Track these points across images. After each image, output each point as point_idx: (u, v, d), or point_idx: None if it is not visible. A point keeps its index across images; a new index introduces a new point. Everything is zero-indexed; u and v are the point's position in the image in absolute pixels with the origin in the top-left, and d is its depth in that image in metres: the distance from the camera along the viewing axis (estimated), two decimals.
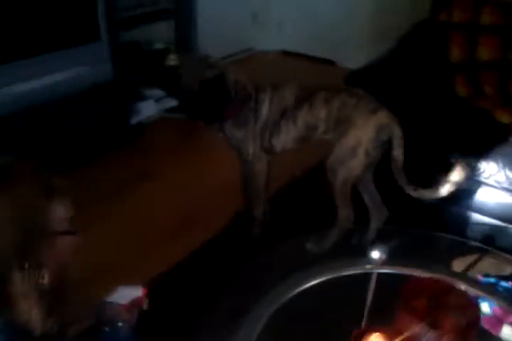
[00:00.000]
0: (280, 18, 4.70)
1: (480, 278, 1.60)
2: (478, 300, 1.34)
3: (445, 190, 1.68)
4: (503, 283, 1.60)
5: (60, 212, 1.00)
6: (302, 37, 4.63)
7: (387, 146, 1.77)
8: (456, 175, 1.67)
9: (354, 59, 3.90)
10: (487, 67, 2.28)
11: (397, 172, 1.75)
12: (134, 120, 3.10)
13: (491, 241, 1.89)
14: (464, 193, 1.94)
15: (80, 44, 2.50)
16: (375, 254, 1.24)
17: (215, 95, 1.76)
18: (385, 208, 1.95)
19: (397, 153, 1.75)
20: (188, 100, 1.86)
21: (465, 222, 1.98)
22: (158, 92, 3.32)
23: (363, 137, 1.76)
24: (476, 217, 1.96)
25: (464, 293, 1.20)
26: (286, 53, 4.77)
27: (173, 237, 2.20)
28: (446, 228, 1.87)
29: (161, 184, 2.61)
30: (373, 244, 1.28)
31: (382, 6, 4.12)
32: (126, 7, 2.90)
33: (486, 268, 1.67)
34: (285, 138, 1.91)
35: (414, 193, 1.74)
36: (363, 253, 1.29)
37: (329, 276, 1.27)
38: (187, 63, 1.89)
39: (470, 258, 1.67)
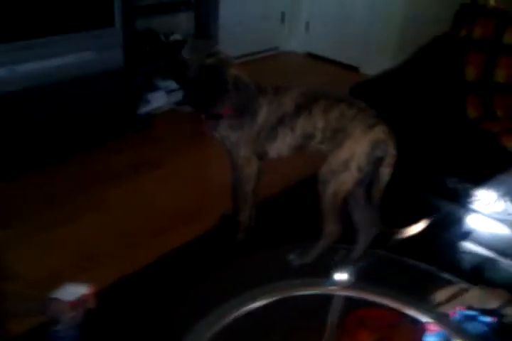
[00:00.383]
0: (308, 19, 4.64)
1: (458, 310, 1.53)
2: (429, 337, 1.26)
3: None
4: (483, 318, 1.52)
5: None
6: (328, 39, 4.57)
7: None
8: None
9: (378, 66, 3.83)
10: (502, 89, 2.19)
11: (377, 194, 1.69)
12: (143, 110, 3.09)
13: (481, 273, 1.81)
14: (457, 220, 1.86)
15: (92, 28, 2.49)
16: (340, 276, 1.19)
17: (210, 83, 1.71)
18: (374, 227, 1.88)
19: (385, 171, 1.68)
20: (185, 84, 1.82)
21: (456, 250, 1.90)
22: (170, 84, 3.29)
23: (357, 150, 1.70)
24: (469, 246, 1.88)
25: (411, 328, 1.13)
26: (311, 56, 4.72)
27: (160, 230, 2.19)
28: (436, 254, 1.81)
29: (158, 176, 2.61)
30: (340, 265, 1.22)
31: (412, 14, 4.03)
32: None
33: (472, 300, 1.60)
34: (281, 145, 1.86)
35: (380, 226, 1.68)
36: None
37: (285, 295, 1.21)
38: (192, 47, 1.84)
39: (453, 290, 1.60)
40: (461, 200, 1.90)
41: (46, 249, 2.04)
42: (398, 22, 4.06)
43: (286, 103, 1.81)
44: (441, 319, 1.26)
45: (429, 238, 1.90)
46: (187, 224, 2.23)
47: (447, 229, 1.86)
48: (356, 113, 1.73)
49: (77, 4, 2.42)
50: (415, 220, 1.93)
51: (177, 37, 3.28)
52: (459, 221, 1.91)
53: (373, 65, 4.16)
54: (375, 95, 2.15)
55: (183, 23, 3.42)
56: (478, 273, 1.78)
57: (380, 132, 1.70)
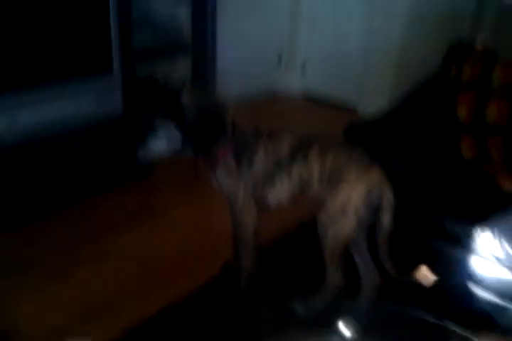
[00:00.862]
0: (304, 61, 4.76)
1: None
2: None
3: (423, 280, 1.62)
4: None
5: None
6: (324, 81, 4.67)
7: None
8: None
9: (375, 106, 3.89)
10: (495, 130, 2.21)
11: (381, 243, 1.68)
12: (144, 156, 3.10)
13: (489, 319, 1.77)
14: (460, 264, 1.84)
15: (90, 74, 2.52)
16: (345, 329, 1.16)
17: (210, 126, 1.74)
18: (377, 275, 1.87)
19: (385, 218, 1.68)
20: (185, 128, 1.86)
21: (462, 295, 1.86)
22: (171, 130, 3.32)
23: (353, 195, 1.70)
24: (475, 290, 1.85)
25: None
26: (308, 97, 4.79)
27: (162, 280, 2.17)
28: (442, 299, 1.78)
29: (159, 224, 2.59)
30: (346, 317, 1.20)
31: (407, 55, 4.14)
32: (143, 41, 2.93)
33: None
34: (279, 191, 1.86)
35: (393, 273, 1.66)
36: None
37: None
38: (190, 92, 1.87)
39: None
40: (462, 243, 1.89)
41: (48, 301, 2.01)
42: (393, 62, 4.16)
43: (281, 148, 1.82)
44: None
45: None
46: (189, 273, 2.20)
47: (451, 273, 1.84)
48: (349, 157, 1.75)
49: (74, 50, 2.44)
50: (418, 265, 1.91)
51: (176, 82, 3.35)
52: (462, 264, 1.89)
53: (370, 105, 4.22)
54: (369, 138, 2.17)
55: (181, 68, 3.49)
56: (487, 319, 1.75)
57: (374, 177, 1.70)
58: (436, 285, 1.81)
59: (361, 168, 1.72)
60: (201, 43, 3.23)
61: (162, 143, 3.17)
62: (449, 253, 1.91)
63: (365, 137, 2.17)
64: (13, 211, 2.44)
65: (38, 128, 2.38)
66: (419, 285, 1.77)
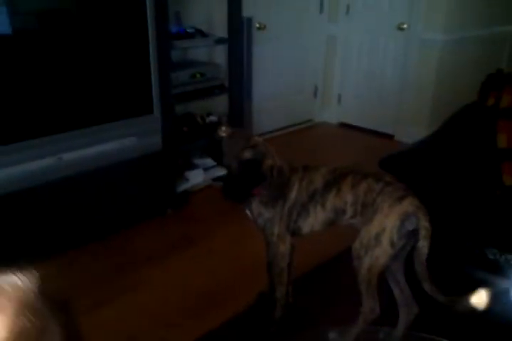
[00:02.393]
0: (340, 92, 4.82)
1: None
2: None
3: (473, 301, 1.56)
4: None
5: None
6: (361, 110, 4.70)
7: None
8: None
9: (413, 133, 3.89)
10: None
11: (420, 268, 1.64)
12: (181, 187, 3.21)
13: None
14: (504, 293, 1.77)
15: (133, 116, 2.68)
16: None
17: (248, 177, 1.77)
18: (415, 304, 1.82)
19: (422, 245, 1.65)
20: (225, 177, 1.89)
21: (504, 325, 1.78)
22: (208, 162, 3.43)
23: (387, 225, 1.69)
24: None
25: None
26: (345, 126, 4.84)
27: (197, 310, 2.19)
28: (481, 330, 1.70)
29: (194, 254, 2.65)
30: None
31: (443, 83, 4.13)
32: (182, 83, 3.08)
33: None
34: (313, 221, 1.88)
35: (438, 297, 1.62)
36: None
37: None
38: (231, 139, 1.92)
39: None
40: (504, 272, 1.82)
41: (84, 332, 2.06)
42: (430, 93, 4.18)
43: (316, 180, 1.85)
44: None
45: (473, 313, 1.81)
46: (224, 303, 2.22)
47: (492, 303, 1.77)
48: (384, 186, 1.74)
49: (119, 95, 2.64)
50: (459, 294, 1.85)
51: (213, 118, 3.47)
52: (504, 294, 1.81)
53: (408, 132, 4.23)
54: (406, 167, 2.16)
55: (218, 104, 3.63)
56: None
57: (409, 205, 1.69)
58: (475, 316, 1.74)
59: (395, 197, 1.71)
60: (237, 82, 3.36)
61: (199, 173, 3.32)
62: (491, 283, 1.84)
63: (403, 166, 2.16)
64: (57, 240, 2.55)
65: (83, 164, 2.53)
66: (460, 315, 1.70)
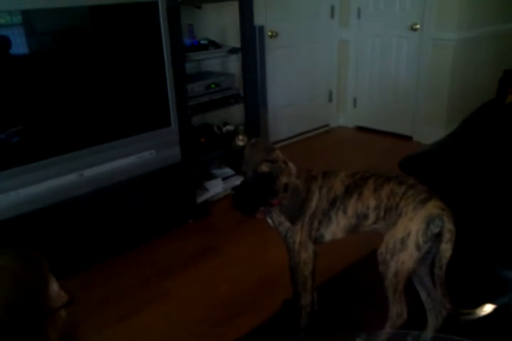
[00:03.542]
0: (355, 95, 4.80)
1: None
2: None
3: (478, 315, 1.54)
4: None
5: (53, 285, 0.95)
6: (377, 112, 4.68)
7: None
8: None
9: (431, 134, 3.86)
10: None
11: (439, 271, 1.63)
12: (201, 198, 3.23)
13: None
14: None
15: (151, 130, 2.73)
16: None
17: (260, 190, 1.77)
18: (443, 308, 1.79)
19: (445, 248, 1.62)
20: (238, 186, 1.90)
21: None
22: (226, 171, 3.45)
23: (412, 228, 1.67)
24: None
25: None
26: (361, 129, 4.82)
27: (222, 319, 2.20)
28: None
29: (217, 263, 2.66)
30: None
31: (459, 82, 4.09)
32: (198, 94, 3.11)
33: None
34: (335, 228, 1.87)
35: (446, 304, 1.61)
36: None
37: None
38: (253, 148, 1.92)
39: None
40: None
41: (115, 339, 2.08)
42: (445, 89, 4.13)
43: (336, 186, 1.84)
44: None
45: (503, 313, 1.78)
46: (249, 311, 2.22)
47: None
48: (406, 190, 1.73)
49: (137, 110, 2.68)
50: (490, 296, 1.82)
51: (229, 128, 3.50)
52: None
53: (426, 132, 4.19)
54: (427, 168, 2.14)
55: (234, 113, 3.65)
56: None
57: (433, 207, 1.67)
58: (504, 317, 1.70)
59: (419, 200, 1.69)
60: (252, 90, 3.38)
61: (218, 182, 3.33)
62: None
63: (423, 167, 2.14)
64: (81, 255, 2.58)
65: (105, 179, 2.57)
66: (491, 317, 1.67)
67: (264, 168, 1.75)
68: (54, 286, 0.95)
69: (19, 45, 2.26)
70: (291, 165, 1.84)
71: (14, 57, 2.25)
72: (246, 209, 1.84)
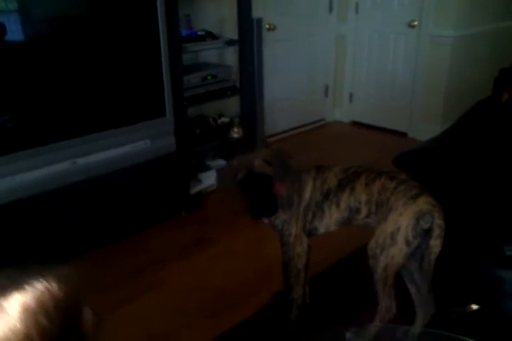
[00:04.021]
0: (351, 90, 4.80)
1: None
2: None
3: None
4: None
5: (86, 308, 0.91)
6: (373, 108, 4.68)
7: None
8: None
9: (426, 130, 3.87)
10: None
11: (427, 267, 1.65)
12: (195, 189, 3.22)
13: None
14: None
15: (146, 119, 2.71)
16: None
17: (256, 192, 1.76)
18: (432, 302, 1.81)
19: (434, 244, 1.64)
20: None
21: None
22: (220, 163, 3.45)
23: (402, 223, 1.68)
24: None
25: None
26: (357, 124, 4.82)
27: (215, 310, 2.21)
28: (500, 328, 1.69)
29: (210, 254, 2.66)
30: None
31: (455, 79, 4.10)
32: (194, 86, 3.10)
33: None
34: (328, 221, 1.89)
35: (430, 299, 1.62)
36: None
37: None
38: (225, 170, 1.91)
39: None
40: None
41: (105, 331, 2.08)
42: (442, 86, 4.13)
43: (329, 179, 1.85)
44: None
45: (492, 310, 1.80)
46: (241, 302, 2.23)
47: (510, 300, 1.76)
48: (397, 185, 1.73)
49: (132, 99, 2.66)
50: (478, 292, 1.84)
51: (225, 119, 3.49)
52: None
53: (421, 129, 4.20)
54: (421, 165, 2.15)
55: (230, 105, 3.65)
56: None
57: (423, 203, 1.68)
58: (493, 314, 1.72)
59: (409, 195, 1.70)
60: (249, 83, 3.37)
61: (212, 174, 3.33)
62: (509, 279, 1.83)
63: (417, 164, 2.15)
64: (73, 243, 2.58)
65: (98, 167, 2.56)
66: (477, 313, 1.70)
67: (241, 175, 1.75)
68: (87, 309, 0.92)
69: (15, 32, 2.24)
70: (292, 160, 1.86)
71: (9, 44, 2.23)
72: (270, 210, 1.81)
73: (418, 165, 2.12)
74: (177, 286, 2.39)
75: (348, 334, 1.85)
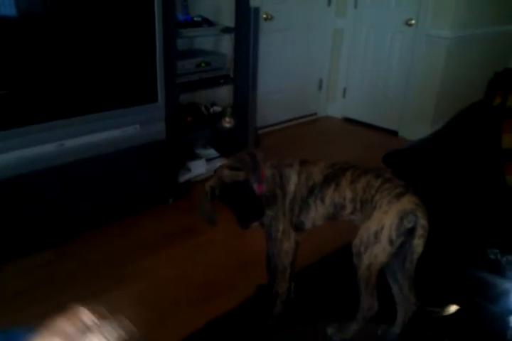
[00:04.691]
0: (345, 86, 4.79)
1: None
2: None
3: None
4: None
5: None
6: (365, 105, 4.68)
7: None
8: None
9: (417, 130, 3.89)
10: None
11: (409, 266, 1.65)
12: (184, 177, 3.20)
13: None
14: (504, 293, 1.77)
15: (137, 104, 2.67)
16: None
17: (236, 201, 1.75)
18: (413, 301, 1.81)
19: (417, 243, 1.64)
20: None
21: (504, 325, 1.79)
22: (211, 152, 3.42)
23: (385, 222, 1.67)
24: None
25: None
26: (349, 120, 4.82)
27: (196, 301, 2.20)
28: (481, 329, 1.71)
29: (194, 244, 2.64)
30: None
31: (449, 80, 4.11)
32: (187, 72, 3.06)
33: None
34: (314, 216, 1.87)
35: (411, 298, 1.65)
36: None
37: None
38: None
39: None
40: (505, 272, 1.82)
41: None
42: (435, 87, 4.14)
43: (314, 174, 1.84)
44: None
45: (473, 312, 1.82)
46: (223, 294, 2.23)
47: (493, 302, 1.77)
48: (382, 183, 1.72)
49: (123, 83, 2.61)
50: (459, 294, 1.86)
51: (217, 108, 3.45)
52: (504, 295, 1.81)
53: (412, 129, 4.21)
54: (409, 164, 2.15)
55: (223, 94, 3.61)
56: None
57: (408, 202, 1.67)
58: (475, 316, 1.74)
59: (394, 194, 1.69)
60: (243, 72, 3.33)
61: (201, 163, 3.31)
62: (491, 283, 1.85)
63: (406, 163, 2.15)
64: (55, 228, 2.55)
65: (86, 151, 2.52)
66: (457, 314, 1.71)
67: (226, 173, 1.74)
68: None
69: (6, 7, 2.18)
70: (259, 156, 1.83)
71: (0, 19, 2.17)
72: (257, 213, 1.79)
73: (407, 164, 2.12)
74: (158, 275, 2.37)
75: (329, 331, 1.85)
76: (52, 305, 2.04)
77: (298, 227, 1.91)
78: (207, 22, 3.21)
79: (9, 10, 2.20)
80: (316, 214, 1.86)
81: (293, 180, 1.84)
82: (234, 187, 1.73)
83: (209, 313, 2.07)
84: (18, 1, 2.19)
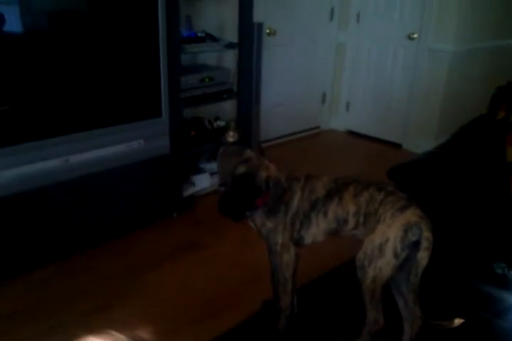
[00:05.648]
0: (348, 99, 4.81)
1: None
2: None
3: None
4: None
5: None
6: (369, 118, 4.69)
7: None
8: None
9: (421, 143, 3.88)
10: None
11: (414, 279, 1.63)
12: (188, 191, 3.20)
13: None
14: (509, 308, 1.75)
15: (142, 119, 2.68)
16: None
17: (244, 192, 1.74)
18: (419, 315, 1.79)
19: (422, 256, 1.63)
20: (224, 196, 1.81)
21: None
22: (215, 166, 3.41)
23: (390, 235, 1.67)
24: None
25: None
26: (352, 133, 4.83)
27: (200, 316, 2.18)
28: None
29: (198, 259, 2.63)
30: None
31: (452, 94, 4.12)
32: (191, 87, 3.08)
33: None
34: (315, 231, 1.87)
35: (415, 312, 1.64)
36: None
37: None
38: (223, 157, 1.84)
39: None
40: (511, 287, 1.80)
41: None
42: (439, 101, 4.15)
43: (317, 189, 1.83)
44: None
45: (480, 326, 1.79)
46: (229, 309, 2.20)
47: (499, 317, 1.75)
48: (385, 196, 1.73)
49: (128, 98, 2.64)
50: (465, 308, 1.83)
51: (221, 123, 3.47)
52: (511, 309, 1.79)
53: (416, 142, 4.21)
54: (414, 178, 2.15)
55: (226, 109, 3.63)
56: None
57: (412, 215, 1.67)
58: (482, 330, 1.72)
59: (397, 207, 1.69)
60: (246, 87, 3.36)
61: (205, 177, 3.31)
62: (498, 297, 1.82)
63: (411, 177, 2.15)
64: (61, 243, 2.54)
65: (90, 166, 2.52)
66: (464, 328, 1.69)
67: (241, 169, 1.72)
68: None
69: (13, 23, 2.21)
70: (267, 162, 1.83)
71: (7, 36, 2.19)
72: (234, 213, 1.80)
73: (412, 178, 2.12)
74: (163, 291, 2.35)
75: None
76: (56, 323, 2.05)
77: (297, 242, 1.90)
78: (210, 37, 3.24)
79: (15, 26, 2.23)
80: (317, 229, 1.86)
81: (297, 196, 1.83)
82: (237, 180, 1.72)
83: (215, 329, 2.05)
84: (24, 18, 2.23)
